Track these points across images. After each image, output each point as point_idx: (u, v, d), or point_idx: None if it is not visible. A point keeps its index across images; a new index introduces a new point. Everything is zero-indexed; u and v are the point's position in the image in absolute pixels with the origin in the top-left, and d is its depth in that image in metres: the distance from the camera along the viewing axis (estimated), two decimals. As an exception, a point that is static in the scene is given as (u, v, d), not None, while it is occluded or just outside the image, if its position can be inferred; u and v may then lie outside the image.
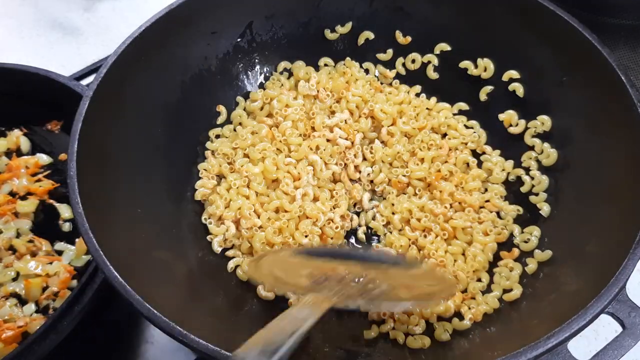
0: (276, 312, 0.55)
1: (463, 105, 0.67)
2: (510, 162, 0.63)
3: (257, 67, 0.70)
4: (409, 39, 0.69)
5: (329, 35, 0.70)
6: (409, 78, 0.70)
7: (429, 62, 0.69)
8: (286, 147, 0.63)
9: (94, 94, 0.53)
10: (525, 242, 0.57)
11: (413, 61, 0.69)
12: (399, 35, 0.69)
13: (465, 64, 0.67)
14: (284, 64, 0.70)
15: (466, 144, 0.65)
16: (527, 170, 0.62)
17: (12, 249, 0.65)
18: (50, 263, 0.63)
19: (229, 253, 0.59)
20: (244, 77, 0.69)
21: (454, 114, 0.67)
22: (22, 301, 0.61)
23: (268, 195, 0.61)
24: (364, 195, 0.63)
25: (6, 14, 1.01)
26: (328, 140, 0.64)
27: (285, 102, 0.65)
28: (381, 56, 0.70)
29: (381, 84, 0.69)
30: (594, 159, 0.56)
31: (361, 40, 0.70)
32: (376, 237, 0.62)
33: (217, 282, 0.57)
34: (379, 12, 0.69)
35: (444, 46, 0.68)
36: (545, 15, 0.59)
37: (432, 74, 0.69)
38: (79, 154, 0.49)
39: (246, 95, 0.69)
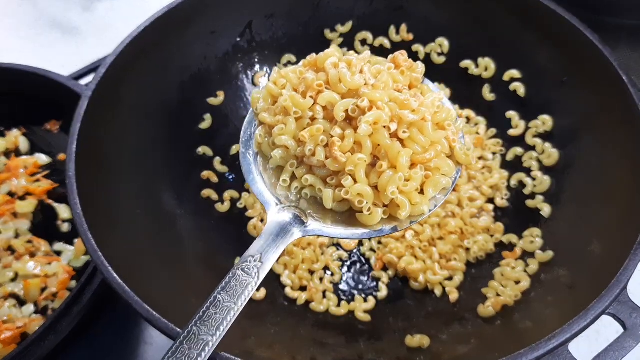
0: (271, 311, 0.56)
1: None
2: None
3: (257, 66, 0.70)
4: (411, 36, 0.69)
5: (329, 34, 0.70)
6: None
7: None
8: None
9: (93, 94, 0.53)
10: (530, 243, 0.57)
11: (417, 52, 0.69)
12: (403, 30, 0.68)
13: (466, 63, 0.67)
14: (287, 57, 0.70)
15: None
16: (529, 170, 0.62)
17: (10, 249, 0.65)
18: (49, 264, 0.63)
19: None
20: (244, 76, 0.69)
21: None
22: (21, 302, 0.61)
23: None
24: None
25: (5, 13, 1.00)
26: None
27: None
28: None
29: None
30: (595, 159, 0.55)
31: (359, 39, 0.70)
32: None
33: (216, 283, 0.56)
34: (379, 12, 0.69)
35: (445, 45, 0.67)
36: (546, 14, 0.59)
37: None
38: (78, 154, 0.49)
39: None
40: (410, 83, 0.44)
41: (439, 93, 0.44)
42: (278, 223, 0.41)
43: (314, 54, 0.44)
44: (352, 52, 0.45)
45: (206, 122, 0.66)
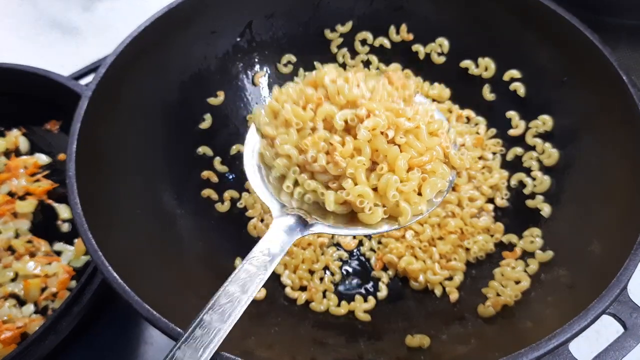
0: (271, 311, 0.56)
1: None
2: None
3: (257, 66, 0.70)
4: (411, 36, 0.69)
5: (329, 34, 0.70)
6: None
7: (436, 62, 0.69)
8: None
9: (93, 94, 0.53)
10: (530, 243, 0.57)
11: (417, 52, 0.69)
12: (403, 30, 0.68)
13: (466, 63, 0.67)
14: (287, 57, 0.70)
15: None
16: (529, 170, 0.62)
17: (11, 249, 0.64)
18: (49, 263, 0.63)
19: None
20: (244, 76, 0.69)
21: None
22: (21, 302, 0.61)
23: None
24: None
25: (5, 13, 1.00)
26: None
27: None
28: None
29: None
30: (595, 159, 0.55)
31: (359, 39, 0.70)
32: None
33: (216, 282, 0.56)
34: (379, 11, 0.69)
35: (445, 45, 0.67)
36: (546, 14, 0.59)
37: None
38: (77, 154, 0.49)
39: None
40: (403, 99, 0.47)
41: (430, 104, 0.47)
42: (282, 225, 0.43)
43: (313, 73, 0.47)
44: (352, 69, 0.48)
45: (206, 122, 0.66)
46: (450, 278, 0.58)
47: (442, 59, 0.68)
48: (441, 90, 0.68)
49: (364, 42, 0.70)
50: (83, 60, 0.85)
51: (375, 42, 0.70)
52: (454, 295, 0.56)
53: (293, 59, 0.70)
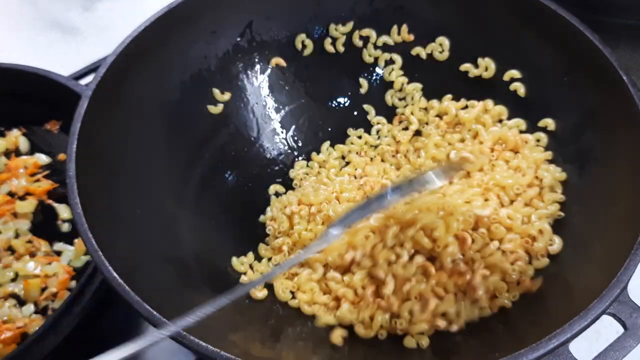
0: (272, 311, 0.56)
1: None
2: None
3: (257, 66, 0.70)
4: (412, 36, 0.69)
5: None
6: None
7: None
8: None
9: (93, 94, 0.53)
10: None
11: (417, 55, 0.69)
12: (404, 30, 0.68)
13: (466, 67, 0.66)
14: None
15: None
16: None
17: (10, 249, 0.64)
18: (49, 264, 0.63)
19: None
20: (244, 76, 0.69)
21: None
22: (21, 302, 0.61)
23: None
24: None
25: (5, 13, 1.01)
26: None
27: None
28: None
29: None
30: (595, 159, 0.55)
31: (357, 37, 0.70)
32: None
33: (216, 283, 0.56)
34: (379, 12, 0.69)
35: (445, 44, 0.67)
36: (546, 14, 0.59)
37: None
38: (77, 154, 0.49)
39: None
40: None
41: None
42: None
43: None
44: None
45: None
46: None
47: (444, 55, 0.68)
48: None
49: (365, 41, 0.70)
50: (83, 60, 0.85)
51: (376, 42, 0.70)
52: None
53: (292, 59, 0.70)
